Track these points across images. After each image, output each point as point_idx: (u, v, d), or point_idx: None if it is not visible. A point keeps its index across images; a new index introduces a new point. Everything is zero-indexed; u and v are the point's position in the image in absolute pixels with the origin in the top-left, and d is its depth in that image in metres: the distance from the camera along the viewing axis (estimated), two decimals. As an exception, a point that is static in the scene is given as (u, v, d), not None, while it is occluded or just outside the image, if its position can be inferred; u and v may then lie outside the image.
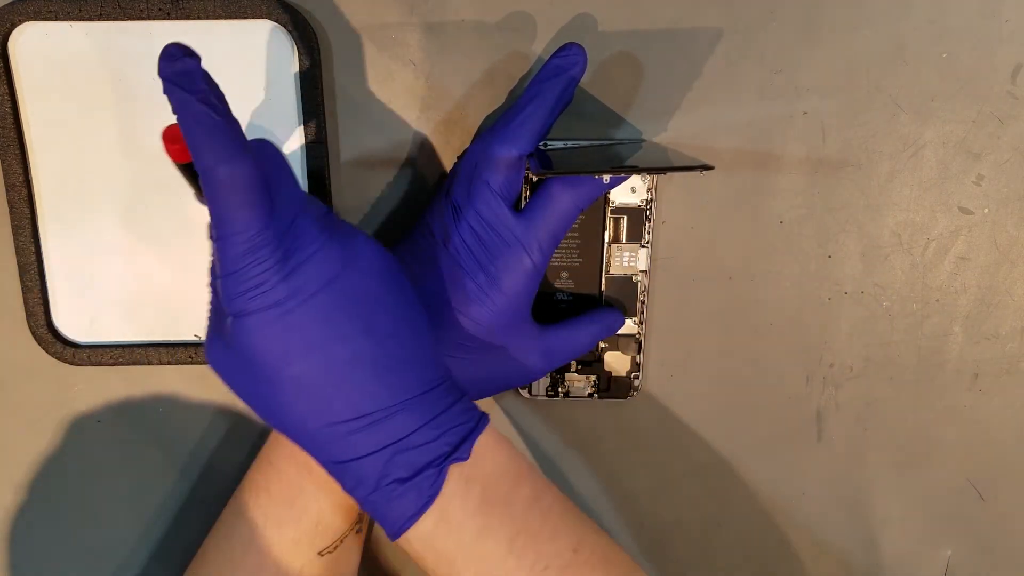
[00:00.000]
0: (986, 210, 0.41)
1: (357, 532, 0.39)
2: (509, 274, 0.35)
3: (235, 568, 0.37)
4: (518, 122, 0.35)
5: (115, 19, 0.37)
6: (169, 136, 0.30)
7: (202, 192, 0.30)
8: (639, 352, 0.42)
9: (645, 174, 0.36)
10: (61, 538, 0.46)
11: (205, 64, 0.28)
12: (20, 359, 0.43)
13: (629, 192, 0.40)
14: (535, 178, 0.37)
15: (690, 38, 0.39)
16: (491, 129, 0.36)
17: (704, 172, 0.34)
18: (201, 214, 0.40)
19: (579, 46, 0.35)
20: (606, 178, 0.36)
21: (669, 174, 0.40)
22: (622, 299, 0.42)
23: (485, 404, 0.44)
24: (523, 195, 0.38)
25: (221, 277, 0.30)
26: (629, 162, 0.37)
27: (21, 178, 0.39)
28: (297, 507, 0.37)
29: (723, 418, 0.44)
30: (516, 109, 0.35)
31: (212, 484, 0.45)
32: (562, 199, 0.36)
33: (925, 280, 0.42)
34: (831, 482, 0.45)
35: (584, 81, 0.38)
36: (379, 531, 0.45)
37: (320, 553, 0.38)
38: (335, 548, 0.38)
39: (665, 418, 0.44)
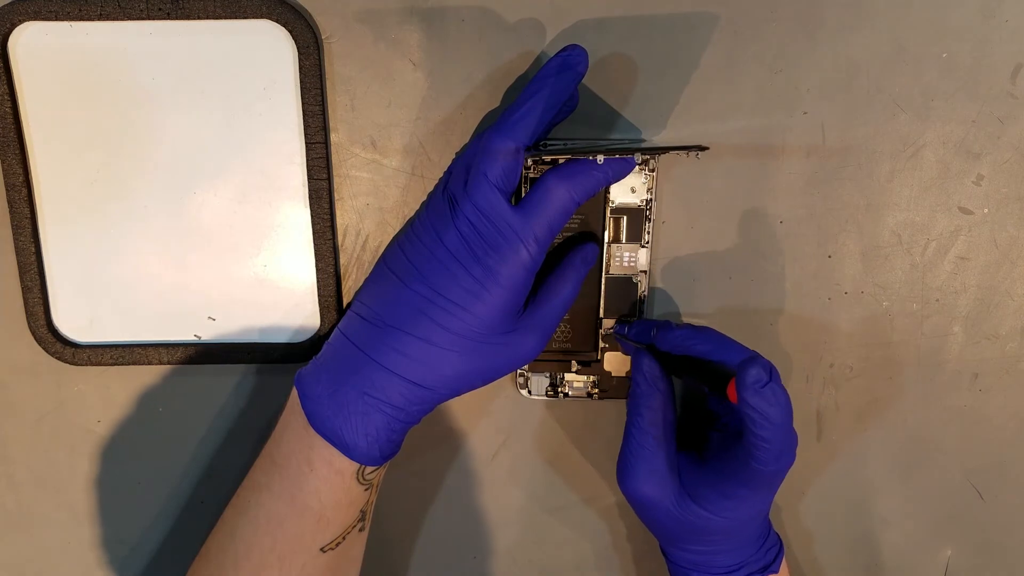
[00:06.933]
0: (986, 210, 0.41)
1: (360, 530, 0.39)
2: (506, 267, 0.35)
3: (238, 566, 0.37)
4: (518, 116, 0.35)
5: (115, 19, 0.37)
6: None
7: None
8: (639, 352, 0.42)
9: (640, 154, 0.35)
10: (61, 538, 0.46)
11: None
12: (20, 359, 0.43)
13: (629, 192, 0.40)
14: (531, 162, 0.36)
15: (690, 38, 0.39)
16: (492, 124, 0.36)
17: (700, 154, 0.34)
18: (201, 214, 0.40)
19: (581, 47, 0.35)
20: (600, 159, 0.35)
21: (667, 154, 0.40)
22: (622, 299, 0.42)
23: (485, 404, 0.44)
24: (521, 191, 0.38)
25: None
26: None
27: (21, 178, 0.39)
28: (298, 504, 0.37)
29: (723, 418, 0.44)
30: (516, 104, 0.35)
31: (213, 483, 0.45)
32: (558, 191, 0.35)
33: (925, 280, 0.42)
34: (831, 482, 0.45)
35: (584, 81, 0.38)
36: (379, 529, 0.45)
37: (323, 549, 0.38)
38: (337, 544, 0.38)
39: (665, 418, 0.44)
